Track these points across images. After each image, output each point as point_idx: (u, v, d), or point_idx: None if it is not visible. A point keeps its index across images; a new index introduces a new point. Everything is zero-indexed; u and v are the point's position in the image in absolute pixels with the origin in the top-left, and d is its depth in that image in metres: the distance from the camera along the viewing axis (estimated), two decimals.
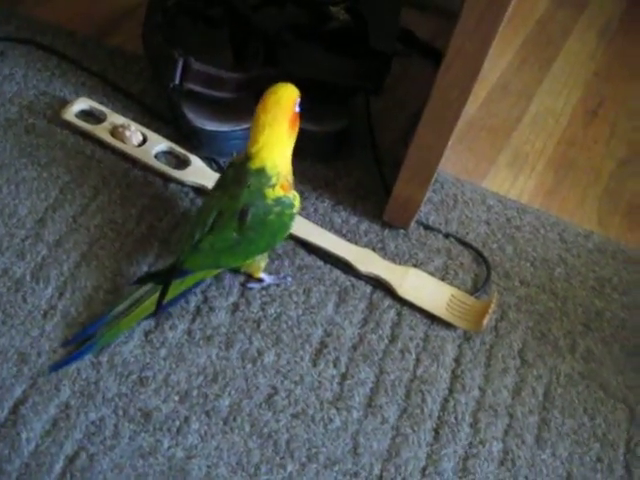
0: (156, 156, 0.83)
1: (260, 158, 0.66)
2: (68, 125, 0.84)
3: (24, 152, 0.82)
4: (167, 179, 0.82)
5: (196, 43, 0.85)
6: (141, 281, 0.70)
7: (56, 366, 0.67)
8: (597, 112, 1.02)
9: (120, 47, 0.96)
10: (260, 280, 0.74)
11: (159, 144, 0.84)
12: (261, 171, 0.66)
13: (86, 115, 0.86)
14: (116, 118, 0.85)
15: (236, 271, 0.75)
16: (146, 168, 0.83)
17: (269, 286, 0.75)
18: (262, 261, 0.73)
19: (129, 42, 0.96)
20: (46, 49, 0.92)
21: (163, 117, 0.88)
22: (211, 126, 0.83)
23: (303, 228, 0.79)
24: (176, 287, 0.69)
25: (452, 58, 0.63)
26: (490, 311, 0.74)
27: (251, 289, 0.74)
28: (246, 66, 0.82)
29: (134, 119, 0.86)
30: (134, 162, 0.83)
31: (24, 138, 0.83)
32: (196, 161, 0.83)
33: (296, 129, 0.69)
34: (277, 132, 0.66)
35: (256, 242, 0.68)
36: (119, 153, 0.83)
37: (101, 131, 0.84)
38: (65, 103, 0.86)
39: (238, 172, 0.67)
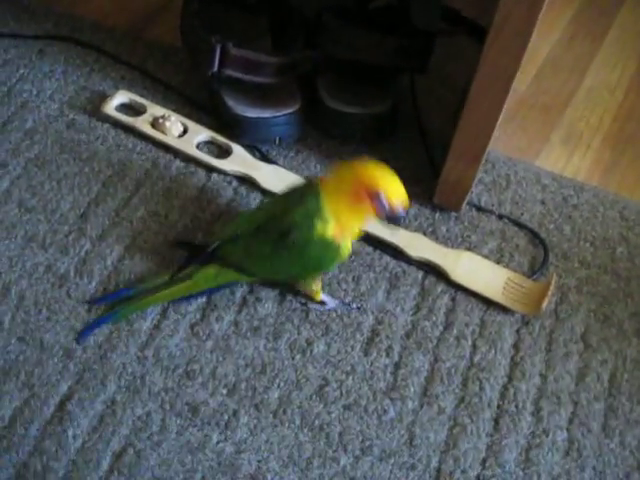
0: (197, 146, 0.82)
1: (322, 195, 0.63)
2: (108, 119, 0.83)
3: (65, 148, 0.81)
4: (209, 169, 0.80)
5: (234, 30, 0.84)
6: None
7: (81, 336, 0.67)
8: None
9: (158, 40, 0.95)
10: (322, 303, 0.70)
11: (200, 134, 0.82)
12: (318, 202, 0.63)
13: (126, 108, 0.85)
14: (156, 110, 0.84)
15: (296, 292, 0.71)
16: (188, 159, 0.81)
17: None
18: (312, 284, 0.69)
19: (167, 34, 0.95)
20: (85, 45, 0.92)
21: (203, 107, 0.86)
22: (252, 113, 0.81)
23: None
24: (208, 280, 0.68)
25: (501, 23, 0.60)
26: (549, 294, 0.71)
27: (311, 310, 0.71)
28: (285, 50, 0.80)
29: (174, 111, 0.84)
30: (176, 153, 0.81)
31: (65, 134, 0.83)
32: (238, 149, 0.81)
33: (360, 208, 0.63)
34: (337, 194, 0.63)
35: (285, 264, 0.66)
36: (160, 145, 0.82)
37: (141, 123, 0.82)
38: (105, 97, 0.85)
39: (305, 191, 0.65)
